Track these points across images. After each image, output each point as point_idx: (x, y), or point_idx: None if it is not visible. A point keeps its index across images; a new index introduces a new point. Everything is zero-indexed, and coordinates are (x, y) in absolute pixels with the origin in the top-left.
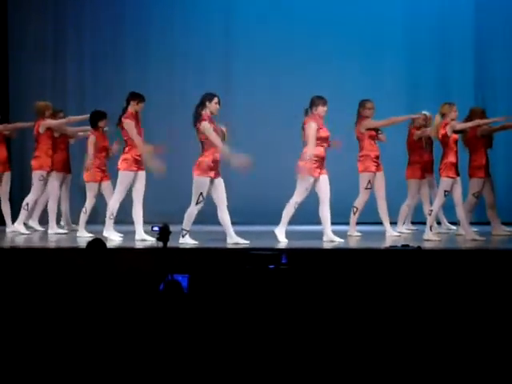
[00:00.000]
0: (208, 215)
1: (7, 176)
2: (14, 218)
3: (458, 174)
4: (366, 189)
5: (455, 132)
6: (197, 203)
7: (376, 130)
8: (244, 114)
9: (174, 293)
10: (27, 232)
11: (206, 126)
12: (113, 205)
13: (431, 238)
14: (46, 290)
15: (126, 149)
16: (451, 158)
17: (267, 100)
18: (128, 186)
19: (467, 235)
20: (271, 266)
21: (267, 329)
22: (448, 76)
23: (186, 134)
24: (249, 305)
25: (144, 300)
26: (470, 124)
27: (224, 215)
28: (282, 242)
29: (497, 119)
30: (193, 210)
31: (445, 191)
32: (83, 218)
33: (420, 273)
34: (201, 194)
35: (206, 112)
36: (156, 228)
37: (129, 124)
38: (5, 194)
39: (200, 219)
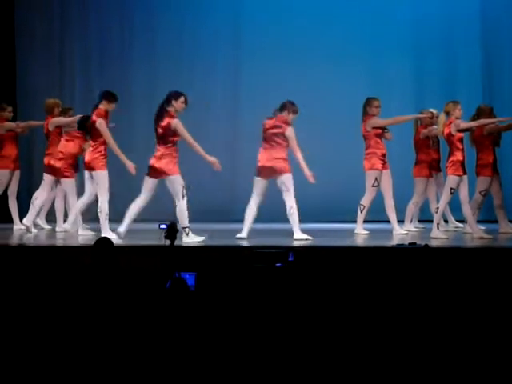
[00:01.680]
0: (215, 212)
1: (17, 174)
2: (21, 217)
3: (464, 172)
4: (373, 187)
5: (460, 130)
6: (183, 197)
7: (382, 128)
8: (251, 111)
9: (180, 290)
10: (34, 230)
11: (178, 123)
12: (105, 206)
13: (438, 235)
14: (53, 287)
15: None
16: (457, 156)
17: (275, 99)
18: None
19: (474, 233)
20: (278, 264)
21: (274, 327)
22: (455, 74)
23: (193, 131)
24: (256, 303)
25: (151, 298)
26: (474, 123)
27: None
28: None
29: (502, 119)
30: (183, 206)
31: (451, 189)
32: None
33: (427, 271)
34: (183, 187)
35: (171, 109)
36: (163, 226)
37: (102, 123)
38: (13, 192)
39: (207, 217)
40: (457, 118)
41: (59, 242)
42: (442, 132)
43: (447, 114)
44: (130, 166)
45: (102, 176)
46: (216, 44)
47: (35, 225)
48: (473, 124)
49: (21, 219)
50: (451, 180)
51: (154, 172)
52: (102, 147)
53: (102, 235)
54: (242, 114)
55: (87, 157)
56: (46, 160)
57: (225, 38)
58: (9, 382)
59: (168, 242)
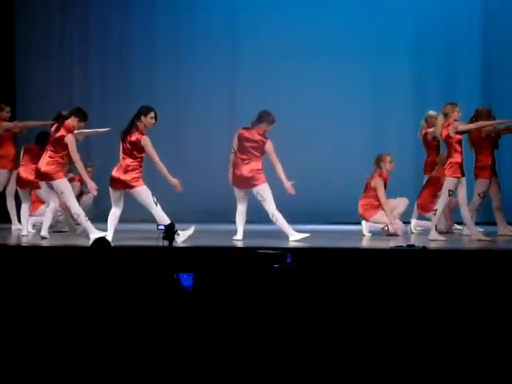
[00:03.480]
0: (213, 213)
1: (15, 174)
2: (19, 216)
3: (463, 174)
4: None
5: (459, 132)
6: (156, 204)
7: None
8: (250, 112)
9: (175, 291)
10: (32, 230)
11: (147, 140)
12: (77, 210)
13: (436, 237)
14: (51, 288)
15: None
16: (456, 158)
17: (274, 97)
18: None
19: (473, 235)
20: (276, 265)
21: (272, 328)
22: (455, 76)
23: (193, 133)
24: (253, 304)
25: (148, 298)
26: (472, 126)
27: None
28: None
29: (500, 121)
30: (159, 212)
31: (449, 191)
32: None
33: (425, 273)
34: (152, 195)
35: (141, 125)
36: (162, 227)
37: (72, 140)
38: (11, 191)
39: (205, 218)
40: (455, 120)
41: (57, 243)
42: (440, 134)
43: (445, 115)
44: (92, 186)
45: (63, 184)
46: (214, 40)
47: (34, 225)
48: (471, 126)
49: (18, 219)
50: (449, 182)
51: (119, 184)
52: (61, 159)
53: (91, 236)
54: (240, 115)
55: (44, 168)
56: None
57: (223, 32)
58: (9, 381)
59: (166, 243)
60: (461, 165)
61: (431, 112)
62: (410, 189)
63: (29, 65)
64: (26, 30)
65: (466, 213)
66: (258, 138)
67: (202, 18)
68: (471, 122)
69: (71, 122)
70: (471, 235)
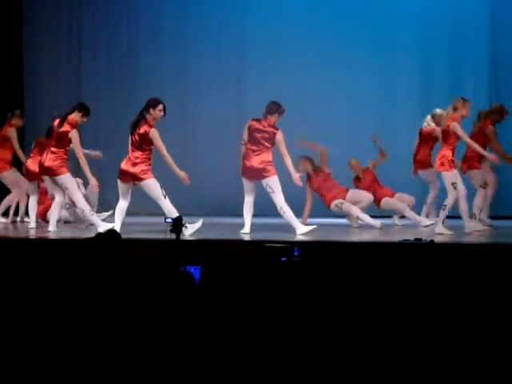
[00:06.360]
0: (220, 207)
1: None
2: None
3: (454, 167)
4: None
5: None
6: (165, 196)
7: None
8: (257, 107)
9: (186, 284)
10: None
11: (155, 133)
12: (83, 204)
13: (443, 231)
14: (61, 281)
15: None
16: (446, 151)
17: (281, 90)
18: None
19: (466, 228)
20: (284, 259)
21: (279, 321)
22: (462, 73)
23: (200, 126)
24: (261, 297)
25: (156, 291)
26: (467, 140)
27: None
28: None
29: (489, 156)
30: (168, 204)
31: (452, 184)
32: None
33: (432, 267)
34: (161, 187)
35: (150, 117)
36: (169, 220)
37: (76, 135)
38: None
39: (212, 211)
40: (462, 116)
41: (66, 235)
42: (444, 125)
43: (455, 109)
44: (94, 183)
45: (66, 179)
46: (221, 35)
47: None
48: (466, 139)
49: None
50: (448, 176)
51: (128, 176)
52: (64, 155)
53: (98, 230)
54: (247, 108)
55: (47, 163)
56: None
57: (230, 28)
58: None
59: (173, 236)
60: (450, 159)
61: (438, 110)
62: (416, 184)
63: (37, 59)
64: (34, 23)
65: (463, 206)
66: (269, 128)
67: (208, 10)
68: (478, 119)
69: (74, 116)
70: (465, 228)
